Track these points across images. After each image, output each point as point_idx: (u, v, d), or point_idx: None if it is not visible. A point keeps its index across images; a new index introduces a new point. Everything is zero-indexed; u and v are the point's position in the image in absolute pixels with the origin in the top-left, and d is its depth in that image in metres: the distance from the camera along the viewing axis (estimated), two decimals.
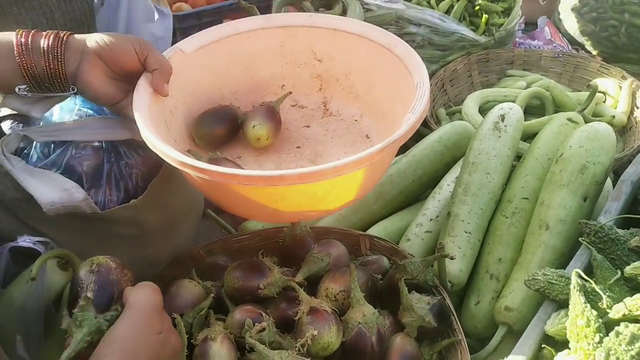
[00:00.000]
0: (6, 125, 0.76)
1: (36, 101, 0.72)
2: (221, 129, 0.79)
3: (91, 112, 0.79)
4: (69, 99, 0.78)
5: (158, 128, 0.68)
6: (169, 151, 0.62)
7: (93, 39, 0.69)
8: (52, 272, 0.72)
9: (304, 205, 0.66)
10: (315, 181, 0.59)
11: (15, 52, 0.66)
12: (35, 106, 0.72)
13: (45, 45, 0.67)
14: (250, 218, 0.98)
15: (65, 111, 0.78)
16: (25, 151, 0.74)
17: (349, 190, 0.67)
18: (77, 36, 0.69)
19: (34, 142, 0.74)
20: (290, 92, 0.84)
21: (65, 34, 0.68)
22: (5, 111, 0.76)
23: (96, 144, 0.77)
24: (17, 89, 0.68)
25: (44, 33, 0.69)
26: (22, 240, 0.70)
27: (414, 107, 0.66)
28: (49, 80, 0.68)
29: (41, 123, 0.76)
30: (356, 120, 0.83)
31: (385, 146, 0.60)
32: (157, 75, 0.70)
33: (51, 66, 0.67)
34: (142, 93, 0.69)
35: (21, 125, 0.76)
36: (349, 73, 0.83)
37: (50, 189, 0.68)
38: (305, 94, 0.86)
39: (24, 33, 0.68)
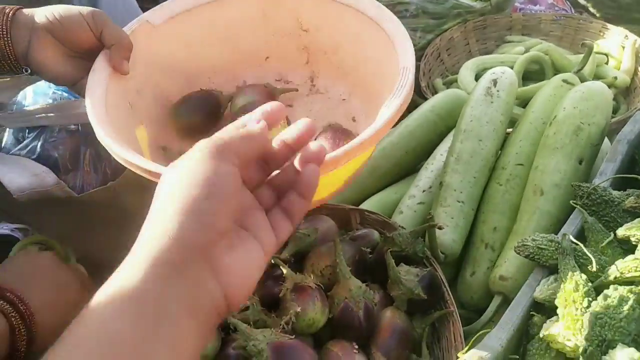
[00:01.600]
0: None
1: (4, 86, 0.71)
2: (200, 118, 0.73)
3: (66, 94, 0.78)
4: (42, 81, 0.76)
5: (118, 110, 0.62)
6: (121, 152, 0.56)
7: (42, 13, 0.64)
8: None
9: None
10: None
11: None
12: (3, 91, 0.70)
13: None
14: None
15: (39, 94, 0.77)
16: None
17: (327, 185, 0.63)
18: (25, 11, 0.64)
19: (7, 129, 0.73)
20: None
21: (11, 9, 0.63)
22: None
23: (72, 127, 0.76)
24: None
25: None
26: (0, 227, 0.69)
27: (391, 98, 0.60)
28: (0, 64, 0.63)
29: (14, 108, 0.75)
30: (344, 100, 0.77)
31: (349, 150, 0.54)
32: (114, 52, 0.64)
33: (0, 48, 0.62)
34: (98, 73, 0.63)
35: None
36: (338, 46, 0.77)
37: (21, 175, 0.66)
38: (291, 67, 0.80)
39: None
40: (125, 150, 0.56)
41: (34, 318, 0.60)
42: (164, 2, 0.74)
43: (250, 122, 0.45)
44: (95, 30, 0.65)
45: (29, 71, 0.66)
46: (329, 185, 0.64)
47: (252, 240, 0.42)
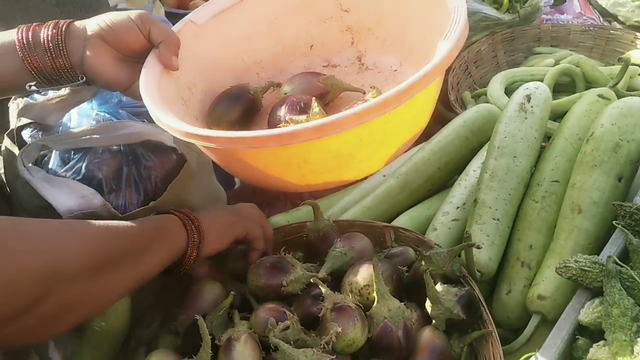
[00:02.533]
0: (26, 134, 0.77)
1: (51, 109, 0.73)
2: (236, 110, 0.74)
3: (108, 116, 0.80)
4: (85, 103, 0.79)
5: (174, 106, 0.65)
6: (170, 122, 0.59)
7: (94, 22, 0.67)
8: None
9: (331, 166, 0.60)
10: (334, 133, 0.52)
11: (18, 49, 0.65)
12: (50, 114, 0.73)
13: (45, 37, 0.65)
14: (276, 188, 0.86)
15: (83, 116, 0.79)
16: (45, 159, 0.75)
17: (381, 144, 0.60)
18: (77, 23, 0.67)
19: (53, 150, 0.75)
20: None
21: (64, 23, 0.66)
22: (25, 120, 0.77)
23: (114, 148, 0.78)
24: (27, 87, 0.67)
25: (44, 25, 0.67)
26: None
27: (447, 33, 0.59)
28: (56, 73, 0.67)
29: (60, 130, 0.77)
30: (395, 70, 0.76)
31: (414, 82, 0.53)
32: (163, 49, 0.67)
33: (54, 58, 0.66)
34: (150, 70, 0.66)
35: (41, 133, 0.77)
36: (381, 18, 0.76)
37: (68, 197, 0.68)
38: (336, 50, 0.80)
39: (24, 28, 0.67)
40: (180, 123, 0.59)
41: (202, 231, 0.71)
42: (207, 2, 0.75)
43: None
44: (144, 31, 0.67)
45: (84, 79, 0.68)
46: (382, 141, 0.61)
47: None
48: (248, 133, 0.58)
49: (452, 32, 0.60)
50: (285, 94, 0.74)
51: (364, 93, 0.75)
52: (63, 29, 0.66)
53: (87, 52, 0.66)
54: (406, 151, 0.73)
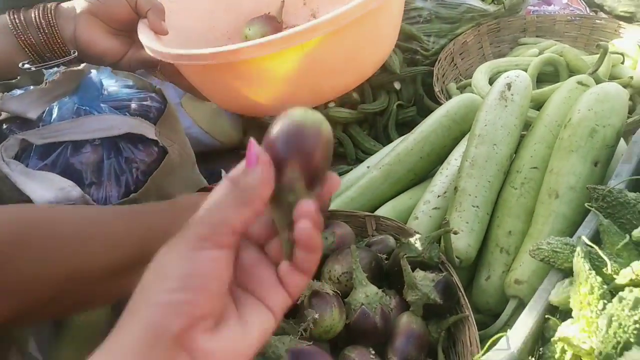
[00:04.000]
0: (7, 128, 0.77)
1: (32, 102, 0.73)
2: None
3: (89, 109, 0.80)
4: (66, 97, 0.79)
5: None
6: (152, 44, 0.65)
7: (81, 0, 0.70)
8: None
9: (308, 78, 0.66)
10: (307, 39, 0.59)
11: (12, 28, 0.69)
12: (30, 108, 0.73)
13: (36, 16, 0.69)
14: (251, 112, 0.87)
15: (64, 111, 0.79)
16: (25, 153, 0.76)
17: (352, 58, 0.67)
18: (64, 4, 0.71)
19: (34, 145, 0.76)
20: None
21: (52, 4, 0.70)
22: (5, 114, 0.77)
23: (95, 141, 0.78)
24: (20, 65, 0.70)
25: (33, 7, 0.71)
26: None
27: None
28: (49, 49, 0.70)
29: (41, 124, 0.78)
30: None
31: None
32: (151, 16, 0.70)
33: (47, 34, 0.69)
34: (146, 35, 0.70)
35: (21, 127, 0.77)
36: None
37: (47, 189, 0.69)
38: (291, 13, 0.90)
39: (14, 11, 0.70)
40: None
41: None
42: None
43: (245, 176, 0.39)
44: (131, 3, 0.71)
45: (76, 53, 0.72)
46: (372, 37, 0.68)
47: (256, 304, 0.39)
48: (233, 46, 0.63)
49: None
50: (246, 37, 0.80)
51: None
52: (52, 9, 0.69)
53: (79, 28, 0.70)
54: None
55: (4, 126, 0.77)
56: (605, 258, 0.56)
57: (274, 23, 0.87)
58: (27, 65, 0.69)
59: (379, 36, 0.70)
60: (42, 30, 0.68)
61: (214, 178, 1.28)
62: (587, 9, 1.60)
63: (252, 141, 0.39)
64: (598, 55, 1.09)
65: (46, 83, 0.78)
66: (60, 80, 0.79)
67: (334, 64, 0.67)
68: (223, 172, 1.31)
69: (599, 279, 0.54)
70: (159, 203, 0.65)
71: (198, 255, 0.36)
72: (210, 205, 0.38)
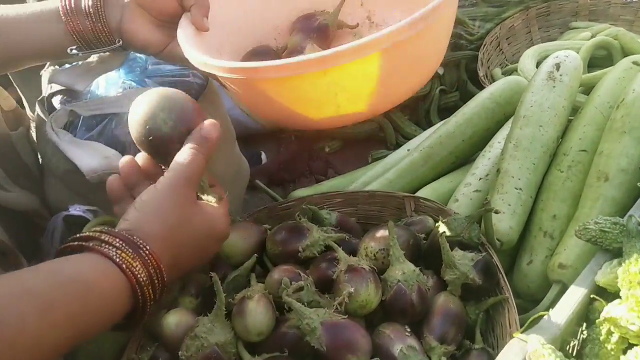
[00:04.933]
0: (56, 101, 0.80)
1: (80, 75, 0.76)
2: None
3: (134, 84, 0.82)
4: (113, 72, 0.81)
5: None
6: (192, 53, 0.64)
7: None
8: None
9: (365, 94, 0.63)
10: (363, 55, 0.56)
11: (62, 16, 0.71)
12: (78, 80, 0.76)
13: (86, 4, 0.71)
14: (307, 125, 0.80)
15: (110, 84, 0.82)
16: (73, 124, 0.78)
17: (408, 70, 0.64)
18: None
19: (81, 116, 0.78)
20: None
21: None
22: (55, 87, 0.80)
23: None
24: (69, 50, 0.73)
25: None
26: (73, 209, 0.75)
27: None
28: (95, 37, 0.72)
29: (88, 97, 0.80)
30: None
31: (429, 10, 0.57)
32: (194, 11, 0.71)
33: (94, 23, 0.71)
34: (185, 31, 0.70)
35: (70, 100, 0.80)
36: None
37: (92, 158, 0.71)
38: (347, 13, 0.85)
39: None
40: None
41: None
42: None
43: None
44: None
45: (121, 42, 0.73)
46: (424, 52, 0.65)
47: None
48: (286, 60, 0.60)
49: None
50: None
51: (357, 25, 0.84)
52: None
53: (125, 17, 0.72)
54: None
55: (54, 98, 0.80)
56: None
57: (320, 33, 0.80)
58: (74, 51, 0.72)
59: (430, 50, 0.67)
60: (90, 18, 0.70)
61: (254, 160, 1.30)
62: None
63: None
64: None
65: (93, 58, 0.81)
66: (106, 56, 0.81)
67: (365, 87, 0.64)
68: (263, 154, 1.33)
69: None
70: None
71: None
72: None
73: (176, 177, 0.60)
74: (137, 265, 0.54)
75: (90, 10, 0.70)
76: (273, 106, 0.66)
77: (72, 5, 0.71)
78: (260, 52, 0.82)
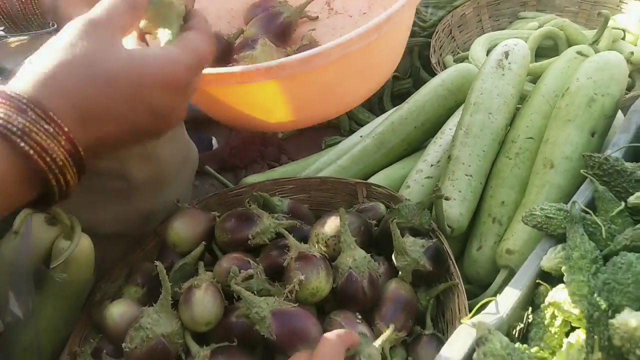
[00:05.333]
0: None
1: (10, 52, 0.70)
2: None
3: None
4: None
5: None
6: None
7: None
8: (39, 228, 0.72)
9: (316, 100, 0.61)
10: (319, 64, 0.54)
11: None
12: (9, 57, 0.70)
13: None
14: (258, 127, 0.81)
15: None
16: None
17: (360, 76, 0.61)
18: None
19: None
20: None
21: None
22: None
23: None
24: None
25: None
26: None
27: None
28: (25, 18, 0.66)
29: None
30: (364, 13, 0.77)
31: (377, 24, 0.54)
32: None
33: (24, 3, 0.65)
34: None
35: None
36: None
37: None
38: None
39: None
40: None
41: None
42: None
43: None
44: None
45: (56, 26, 0.66)
46: (381, 57, 0.64)
47: None
48: (234, 68, 0.58)
49: None
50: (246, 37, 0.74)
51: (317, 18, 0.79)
52: None
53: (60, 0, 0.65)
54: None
55: None
56: (600, 223, 0.54)
57: (275, 26, 0.77)
58: (1, 33, 0.66)
59: (383, 58, 0.66)
60: (20, 0, 0.64)
61: (204, 145, 1.26)
62: None
63: None
64: (599, 27, 1.07)
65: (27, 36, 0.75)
66: (42, 37, 0.76)
67: (314, 95, 0.63)
68: (214, 139, 1.29)
69: (592, 244, 0.53)
70: None
71: None
72: None
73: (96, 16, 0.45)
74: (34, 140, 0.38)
75: None
76: (223, 109, 0.64)
77: None
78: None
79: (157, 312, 0.63)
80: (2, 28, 0.67)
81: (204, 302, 0.63)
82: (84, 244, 0.71)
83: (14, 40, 0.73)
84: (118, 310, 0.67)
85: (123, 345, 0.62)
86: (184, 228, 0.74)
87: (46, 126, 0.38)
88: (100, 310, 0.73)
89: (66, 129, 0.39)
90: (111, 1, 0.46)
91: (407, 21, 0.63)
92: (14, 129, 0.37)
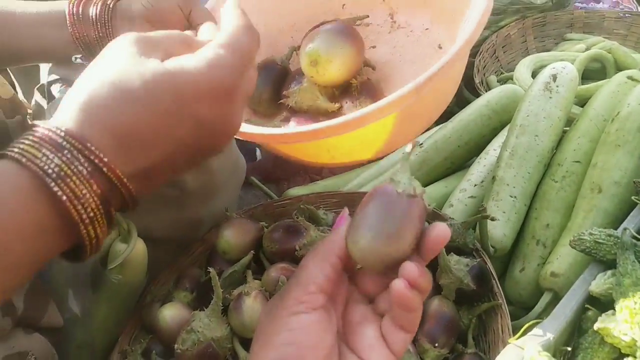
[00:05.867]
0: (55, 89, 0.79)
1: (81, 66, 0.75)
2: (267, 88, 0.72)
3: None
4: None
5: None
6: None
7: (138, 2, 0.68)
8: None
9: (359, 148, 0.61)
10: (356, 128, 0.52)
11: (68, 22, 0.67)
12: (79, 71, 0.74)
13: (94, 14, 0.67)
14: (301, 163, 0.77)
15: None
16: None
17: (408, 124, 0.60)
18: (123, 2, 0.68)
19: None
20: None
21: (111, 2, 0.67)
22: (55, 76, 0.79)
23: None
24: (73, 59, 0.69)
25: (93, 1, 0.68)
26: None
27: (469, 12, 0.57)
28: (100, 46, 0.68)
29: None
30: (427, 29, 0.75)
31: (432, 73, 0.51)
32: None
33: (101, 34, 0.68)
34: None
35: (69, 89, 0.79)
36: None
37: None
38: (368, 9, 0.78)
39: (75, 2, 0.68)
40: None
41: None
42: None
43: None
44: (185, 11, 0.67)
45: None
46: (429, 105, 0.62)
47: None
48: (274, 130, 0.60)
49: (473, 10, 0.58)
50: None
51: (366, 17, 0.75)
52: (110, 7, 0.68)
53: (132, 31, 0.68)
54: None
55: (53, 86, 0.79)
56: None
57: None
58: (79, 60, 0.69)
59: (441, 95, 0.63)
60: (97, 28, 0.66)
61: (249, 156, 1.29)
62: (639, 7, 1.55)
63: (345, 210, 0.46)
64: None
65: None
66: None
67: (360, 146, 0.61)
68: (257, 150, 1.32)
69: None
70: None
71: (293, 320, 0.39)
72: (301, 265, 0.42)
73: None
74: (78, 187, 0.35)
75: (97, 19, 0.66)
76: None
77: (80, 14, 0.67)
78: (264, 72, 0.74)
79: (208, 317, 0.65)
80: (80, 56, 0.69)
81: (253, 309, 0.66)
82: (139, 247, 0.75)
83: (85, 61, 0.78)
84: (170, 313, 0.70)
85: (175, 346, 0.65)
86: (234, 236, 0.76)
87: (80, 167, 0.35)
88: (151, 312, 0.76)
89: (106, 160, 0.36)
90: (165, 31, 0.45)
91: (461, 63, 0.62)
92: (50, 170, 0.34)
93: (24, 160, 0.34)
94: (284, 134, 0.58)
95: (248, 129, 0.59)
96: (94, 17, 0.67)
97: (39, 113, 0.79)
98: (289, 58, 0.80)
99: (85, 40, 0.68)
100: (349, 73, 0.70)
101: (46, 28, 0.68)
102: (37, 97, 0.79)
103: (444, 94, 0.64)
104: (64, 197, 0.34)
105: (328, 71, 0.68)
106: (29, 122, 0.83)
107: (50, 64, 0.79)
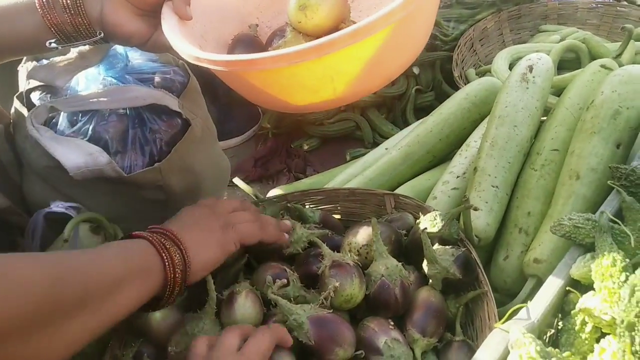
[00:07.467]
0: (35, 97, 0.79)
1: (59, 71, 0.75)
2: (251, 50, 0.73)
3: (115, 80, 0.81)
4: (93, 68, 0.80)
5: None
6: (184, 48, 0.61)
7: None
8: (84, 236, 0.76)
9: (360, 75, 0.60)
10: (361, 39, 0.53)
11: (38, 7, 0.68)
12: (58, 76, 0.74)
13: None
14: (280, 108, 0.78)
15: (90, 80, 0.81)
16: (53, 121, 0.77)
17: (399, 49, 0.60)
18: None
19: (62, 112, 0.77)
20: None
21: None
22: (34, 83, 0.79)
23: (120, 111, 0.79)
24: (47, 44, 0.69)
25: None
26: (55, 205, 0.74)
27: None
28: (75, 29, 0.69)
29: (68, 93, 0.79)
30: None
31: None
32: (176, 1, 0.68)
33: (73, 15, 0.68)
34: (169, 21, 0.67)
35: (49, 96, 0.79)
36: None
37: (76, 155, 0.70)
38: None
39: None
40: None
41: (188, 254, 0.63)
42: None
43: None
44: None
45: (102, 35, 0.70)
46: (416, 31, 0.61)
47: None
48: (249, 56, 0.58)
49: None
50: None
51: None
52: None
53: (106, 9, 0.68)
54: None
55: (33, 94, 0.79)
56: (629, 232, 0.56)
57: None
58: (53, 45, 0.69)
59: (410, 38, 0.63)
60: (68, 10, 0.67)
61: None
62: None
63: None
64: (622, 40, 1.08)
65: (73, 53, 0.80)
66: (86, 51, 0.80)
67: (359, 69, 0.60)
68: None
69: (621, 252, 0.55)
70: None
71: None
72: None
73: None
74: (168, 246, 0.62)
75: (68, 2, 0.67)
76: (268, 94, 0.64)
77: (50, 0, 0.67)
78: (244, 41, 0.79)
79: (202, 319, 0.66)
80: (54, 40, 0.69)
81: (245, 306, 0.66)
82: None
83: (62, 60, 0.77)
84: (160, 314, 0.70)
85: (169, 348, 0.65)
86: None
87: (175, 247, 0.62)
88: (141, 314, 0.76)
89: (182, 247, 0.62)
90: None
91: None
92: (159, 245, 0.61)
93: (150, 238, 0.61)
94: (288, 53, 0.55)
95: (243, 57, 0.57)
96: (63, 1, 0.67)
97: (19, 120, 0.79)
98: (255, 31, 0.82)
99: (58, 25, 0.68)
100: (336, 19, 0.70)
101: (16, 16, 0.68)
102: (17, 104, 0.79)
103: (429, 15, 0.64)
104: (166, 261, 0.61)
105: (317, 14, 0.68)
106: (10, 131, 0.83)
107: (29, 70, 0.79)
